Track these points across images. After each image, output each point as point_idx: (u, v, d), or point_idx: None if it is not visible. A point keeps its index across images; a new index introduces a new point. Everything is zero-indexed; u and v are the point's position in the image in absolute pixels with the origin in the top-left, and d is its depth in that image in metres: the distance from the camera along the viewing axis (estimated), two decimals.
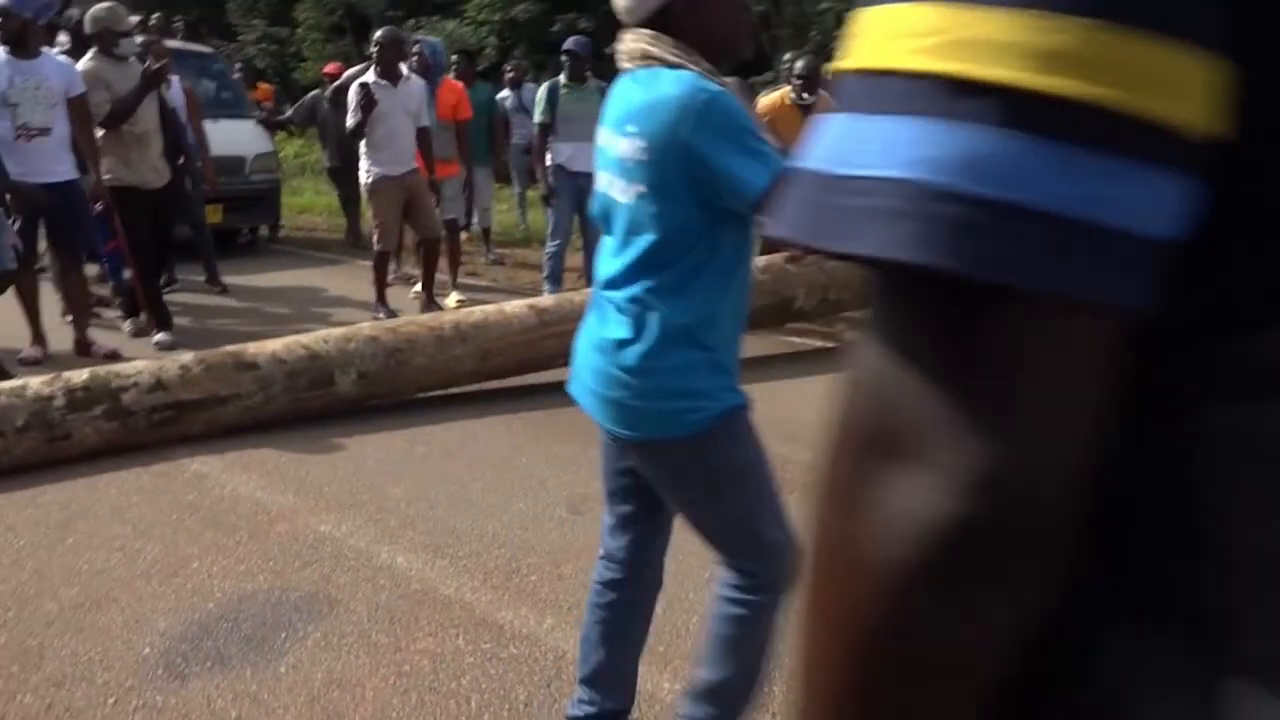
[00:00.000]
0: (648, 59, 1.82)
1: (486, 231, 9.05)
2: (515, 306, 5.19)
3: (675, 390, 1.85)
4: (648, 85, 1.80)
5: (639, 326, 1.86)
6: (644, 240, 1.84)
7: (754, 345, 6.08)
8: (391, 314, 6.46)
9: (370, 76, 6.39)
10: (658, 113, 1.75)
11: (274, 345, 4.67)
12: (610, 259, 1.95)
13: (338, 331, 4.84)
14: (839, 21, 18.63)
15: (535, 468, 4.18)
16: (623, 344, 1.88)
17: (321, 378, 4.66)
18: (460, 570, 3.29)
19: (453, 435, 4.61)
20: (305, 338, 4.76)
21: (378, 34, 6.45)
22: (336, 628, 2.93)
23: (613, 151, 1.89)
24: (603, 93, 6.58)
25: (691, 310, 1.83)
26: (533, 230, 9.87)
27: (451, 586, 3.18)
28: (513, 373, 5.16)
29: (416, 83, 6.58)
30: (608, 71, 2.72)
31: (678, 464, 1.95)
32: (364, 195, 6.85)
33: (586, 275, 6.91)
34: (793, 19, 19.32)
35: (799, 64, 6.19)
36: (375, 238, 6.70)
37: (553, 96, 6.65)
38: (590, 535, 3.42)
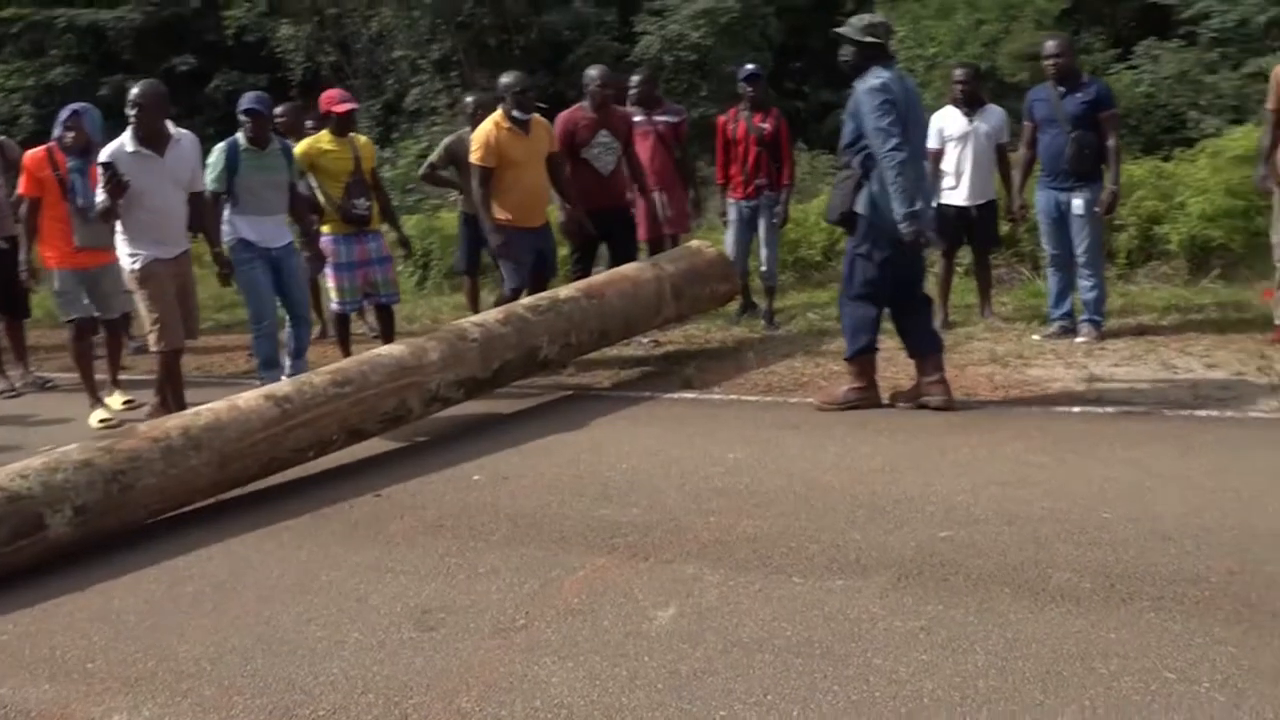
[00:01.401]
0: None
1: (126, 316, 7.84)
2: (249, 399, 4.43)
3: None
4: None
5: None
6: None
7: (511, 403, 5.68)
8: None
9: (127, 144, 5.24)
10: None
11: None
12: None
13: (36, 461, 3.88)
14: (414, 69, 18.54)
15: (343, 584, 3.52)
16: None
17: (26, 524, 3.70)
18: None
19: (216, 564, 3.81)
20: None
21: (134, 91, 5.26)
22: None
23: None
24: (288, 154, 5.84)
25: None
26: None
27: None
28: (258, 476, 4.40)
29: (188, 142, 5.50)
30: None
31: None
32: (130, 284, 5.57)
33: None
34: (367, 68, 18.97)
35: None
36: (154, 336, 5.49)
37: (232, 162, 5.70)
38: (460, 654, 2.93)
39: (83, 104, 6.44)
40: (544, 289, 6.15)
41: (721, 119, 7.22)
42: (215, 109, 19.62)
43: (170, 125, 5.38)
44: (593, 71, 6.52)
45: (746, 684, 2.68)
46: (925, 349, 5.07)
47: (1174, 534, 3.38)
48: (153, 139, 5.29)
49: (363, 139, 6.49)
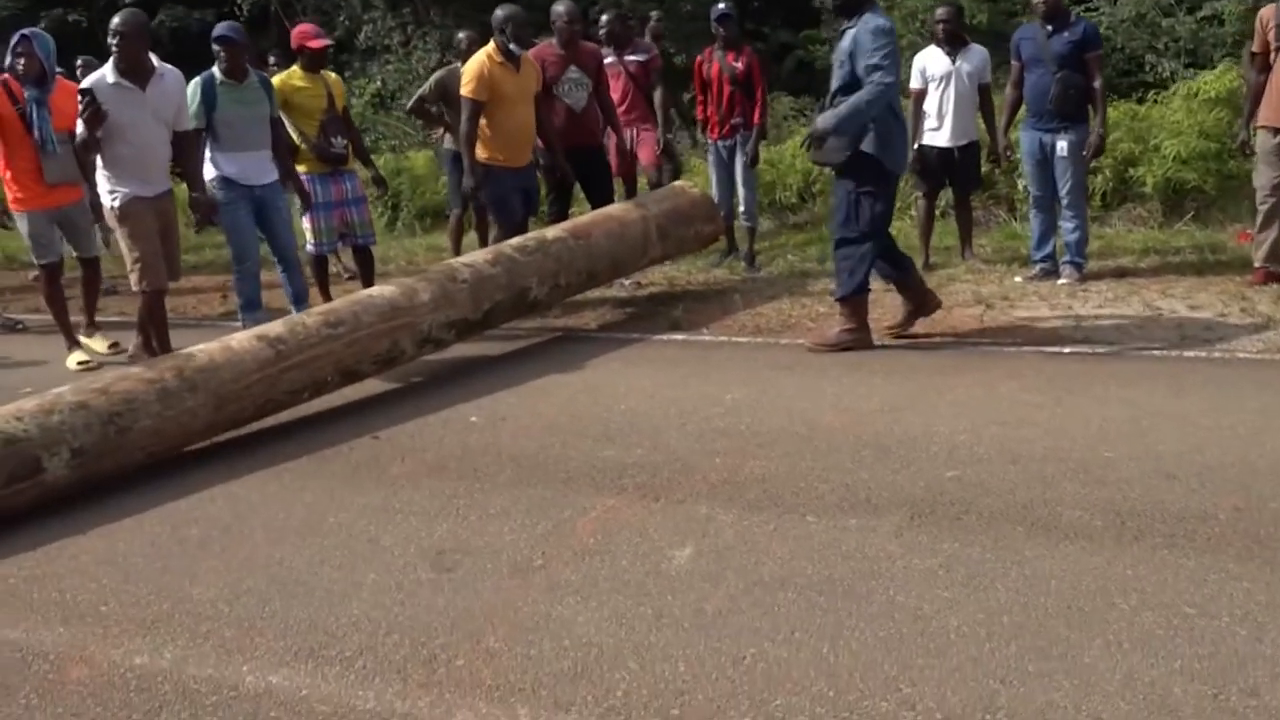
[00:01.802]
0: None
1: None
2: (242, 340, 4.36)
3: None
4: None
5: None
6: None
7: (501, 345, 5.65)
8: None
9: (108, 75, 5.08)
10: None
11: None
12: None
13: (30, 403, 3.80)
14: (365, 5, 18.12)
15: (352, 525, 3.50)
16: None
17: (23, 467, 3.63)
18: (364, 674, 2.62)
19: (219, 506, 3.77)
20: None
21: (115, 20, 5.07)
22: None
23: None
24: (267, 87, 5.67)
25: None
26: None
27: (369, 698, 2.52)
28: (254, 418, 4.36)
29: (171, 78, 5.31)
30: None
31: None
32: (110, 222, 5.41)
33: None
34: (317, 4, 18.51)
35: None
36: (136, 275, 5.35)
37: (208, 96, 5.51)
38: (481, 595, 2.93)
39: (32, 29, 6.09)
40: (526, 229, 6.09)
41: (698, 60, 7.16)
42: (160, 46, 19.07)
43: (154, 59, 5.21)
44: (560, 7, 6.38)
45: (773, 622, 2.70)
46: (908, 265, 5.35)
47: (1177, 472, 3.44)
48: (134, 71, 5.11)
49: (333, 76, 6.33)
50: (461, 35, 7.52)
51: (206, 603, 3.03)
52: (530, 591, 2.96)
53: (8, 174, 5.75)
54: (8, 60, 5.80)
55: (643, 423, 4.31)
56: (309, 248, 6.27)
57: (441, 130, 7.67)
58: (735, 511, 3.38)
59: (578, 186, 6.62)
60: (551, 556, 3.16)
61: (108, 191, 5.28)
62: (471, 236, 7.90)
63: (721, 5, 7.03)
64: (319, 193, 6.02)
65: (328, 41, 6.20)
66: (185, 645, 2.81)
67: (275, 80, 6.01)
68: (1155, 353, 4.83)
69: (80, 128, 5.03)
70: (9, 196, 5.90)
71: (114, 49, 5.07)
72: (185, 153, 5.46)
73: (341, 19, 17.78)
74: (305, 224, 6.18)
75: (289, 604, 2.99)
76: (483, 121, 5.97)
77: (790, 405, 4.42)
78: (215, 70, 5.57)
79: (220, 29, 5.57)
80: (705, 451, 3.94)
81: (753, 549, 3.11)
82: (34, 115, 5.67)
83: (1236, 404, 4.06)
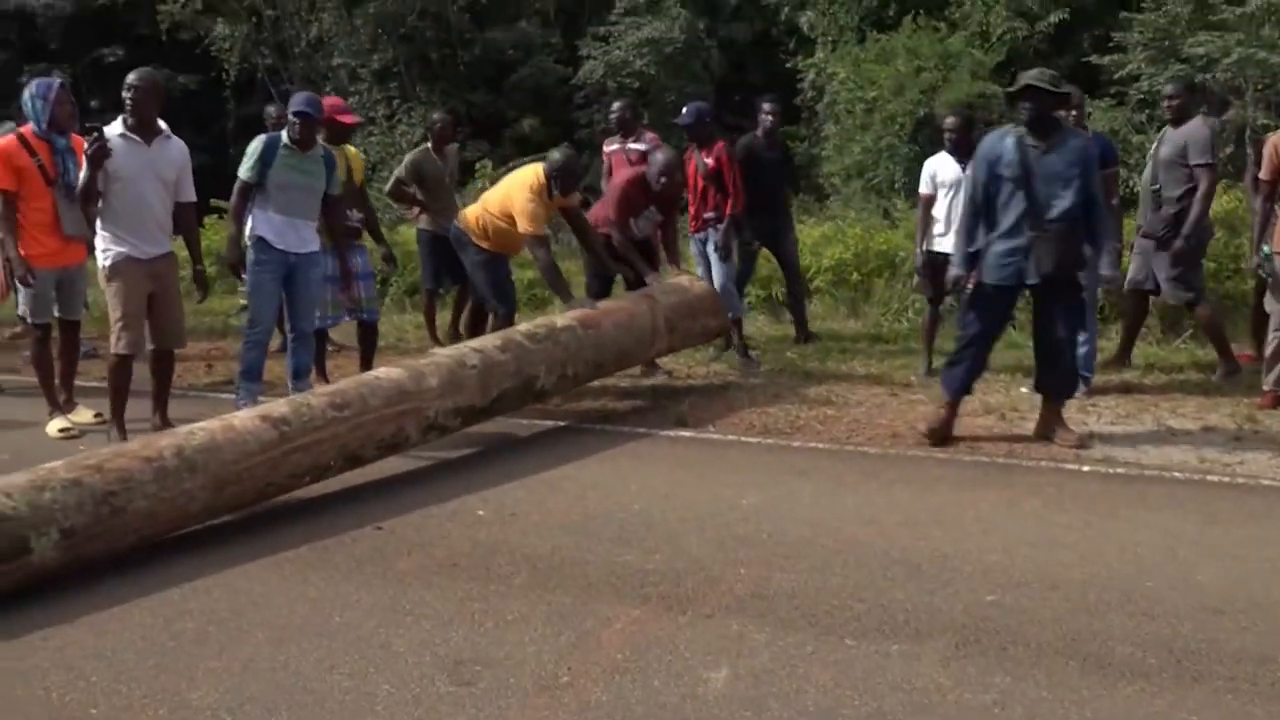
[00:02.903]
0: None
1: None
2: (245, 420, 4.17)
3: None
4: None
5: None
6: None
7: (504, 432, 5.48)
8: (124, 437, 5.11)
9: (116, 127, 5.11)
10: None
11: None
12: None
13: (21, 478, 3.57)
14: (353, 77, 18.23)
15: (360, 626, 3.29)
16: None
17: (10, 547, 3.40)
18: None
19: (215, 598, 3.54)
20: None
21: (132, 76, 5.14)
22: None
23: None
24: (329, 163, 5.60)
25: None
26: None
27: None
28: (255, 501, 4.15)
29: (178, 144, 5.36)
30: None
31: None
32: (100, 280, 5.31)
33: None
34: (304, 73, 18.59)
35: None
36: (114, 336, 5.26)
37: (268, 156, 5.46)
38: (506, 714, 2.74)
39: (48, 78, 5.93)
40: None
41: (684, 157, 7.20)
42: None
43: (162, 123, 5.15)
44: (660, 156, 6.55)
45: None
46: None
47: (1224, 608, 3.32)
48: (143, 126, 5.17)
49: (353, 150, 6.34)
50: (436, 116, 7.75)
51: (207, 710, 2.81)
52: (560, 712, 2.77)
53: (22, 230, 5.49)
54: (37, 108, 5.52)
55: (659, 526, 4.14)
56: (318, 323, 6.17)
57: (417, 210, 7.63)
58: (768, 630, 3.21)
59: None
60: (579, 673, 2.97)
61: (101, 250, 5.23)
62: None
63: (684, 110, 7.17)
64: (328, 266, 5.92)
65: (358, 119, 6.22)
66: None
67: None
68: (1178, 475, 4.75)
69: (84, 169, 5.03)
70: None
71: (127, 102, 5.09)
72: (185, 224, 5.54)
73: (328, 89, 17.82)
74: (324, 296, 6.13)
75: (298, 715, 2.78)
76: (496, 218, 6.13)
77: (810, 514, 4.28)
78: (284, 134, 5.54)
79: (298, 103, 5.50)
80: (728, 561, 3.77)
81: (792, 674, 2.94)
82: (66, 163, 5.51)
83: (1272, 535, 3.96)
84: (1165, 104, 6.57)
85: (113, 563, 3.76)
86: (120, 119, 5.15)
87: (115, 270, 5.20)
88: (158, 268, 5.34)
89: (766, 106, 7.55)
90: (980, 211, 5.14)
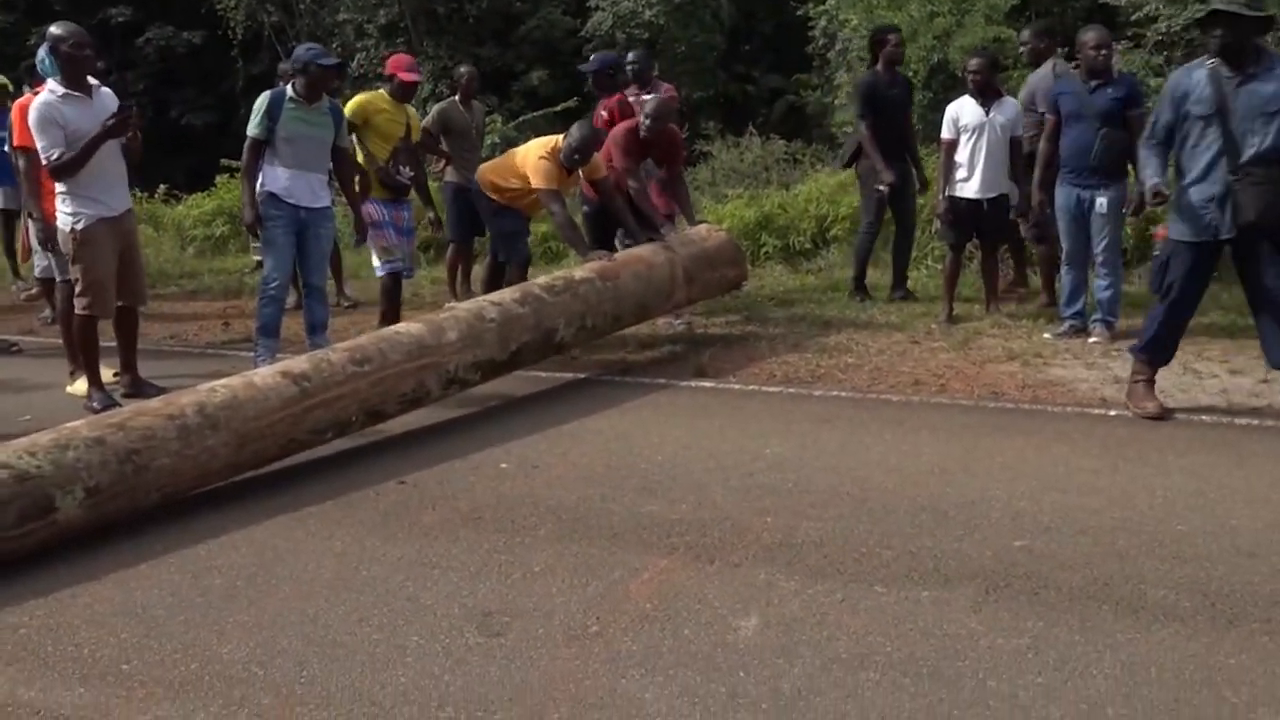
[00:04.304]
0: None
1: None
2: (266, 377, 4.15)
3: None
4: None
5: None
6: None
7: (524, 386, 5.46)
8: (111, 403, 5.03)
9: (56, 89, 5.02)
10: None
11: None
12: None
13: (45, 438, 3.56)
14: (359, 33, 18.03)
15: (388, 580, 3.29)
16: None
17: (36, 505, 3.39)
18: None
19: (242, 554, 3.54)
20: (1, 452, 3.45)
21: (58, 30, 5.05)
22: None
23: None
24: (336, 115, 5.57)
25: None
26: None
27: None
28: (276, 458, 4.14)
29: (108, 91, 5.24)
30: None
31: None
32: (66, 245, 5.23)
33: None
34: (310, 30, 18.40)
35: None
36: (84, 300, 5.20)
37: (274, 111, 5.45)
38: (537, 664, 2.73)
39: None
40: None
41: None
42: (148, 65, 18.90)
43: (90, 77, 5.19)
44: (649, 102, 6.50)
45: (859, 706, 2.51)
46: None
47: (1257, 550, 3.28)
48: (83, 84, 5.11)
49: (413, 111, 6.47)
50: (463, 70, 7.68)
51: (238, 664, 2.81)
52: (590, 662, 2.76)
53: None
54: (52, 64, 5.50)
55: (683, 476, 4.12)
56: (382, 268, 6.23)
57: (443, 163, 7.57)
58: (797, 579, 3.19)
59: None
60: (608, 622, 2.96)
61: (69, 214, 5.13)
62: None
63: (590, 59, 7.28)
64: (385, 214, 6.07)
65: (419, 77, 6.40)
66: (218, 713, 2.58)
67: (361, 98, 6.15)
68: (1205, 418, 4.69)
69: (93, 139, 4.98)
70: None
71: (63, 61, 5.02)
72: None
73: (335, 45, 17.66)
74: (376, 244, 6.19)
75: (328, 668, 2.77)
76: (508, 181, 6.14)
77: (836, 463, 4.25)
78: (287, 88, 5.54)
79: (308, 54, 5.53)
80: (754, 510, 3.75)
81: (823, 622, 2.93)
82: None
83: None
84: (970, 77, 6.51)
85: (137, 520, 3.76)
86: (55, 81, 5.06)
87: (89, 234, 5.13)
88: (125, 224, 5.34)
89: (891, 37, 7.18)
90: (1163, 144, 4.59)
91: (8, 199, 7.68)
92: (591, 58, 7.29)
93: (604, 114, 6.86)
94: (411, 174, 6.27)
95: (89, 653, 2.90)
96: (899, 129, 7.10)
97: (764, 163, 11.10)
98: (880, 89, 7.09)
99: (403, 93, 6.17)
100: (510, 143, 10.77)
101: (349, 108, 6.06)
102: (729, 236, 6.56)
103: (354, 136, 6.10)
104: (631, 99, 7.18)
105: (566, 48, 17.10)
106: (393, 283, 6.28)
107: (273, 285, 5.61)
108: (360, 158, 6.12)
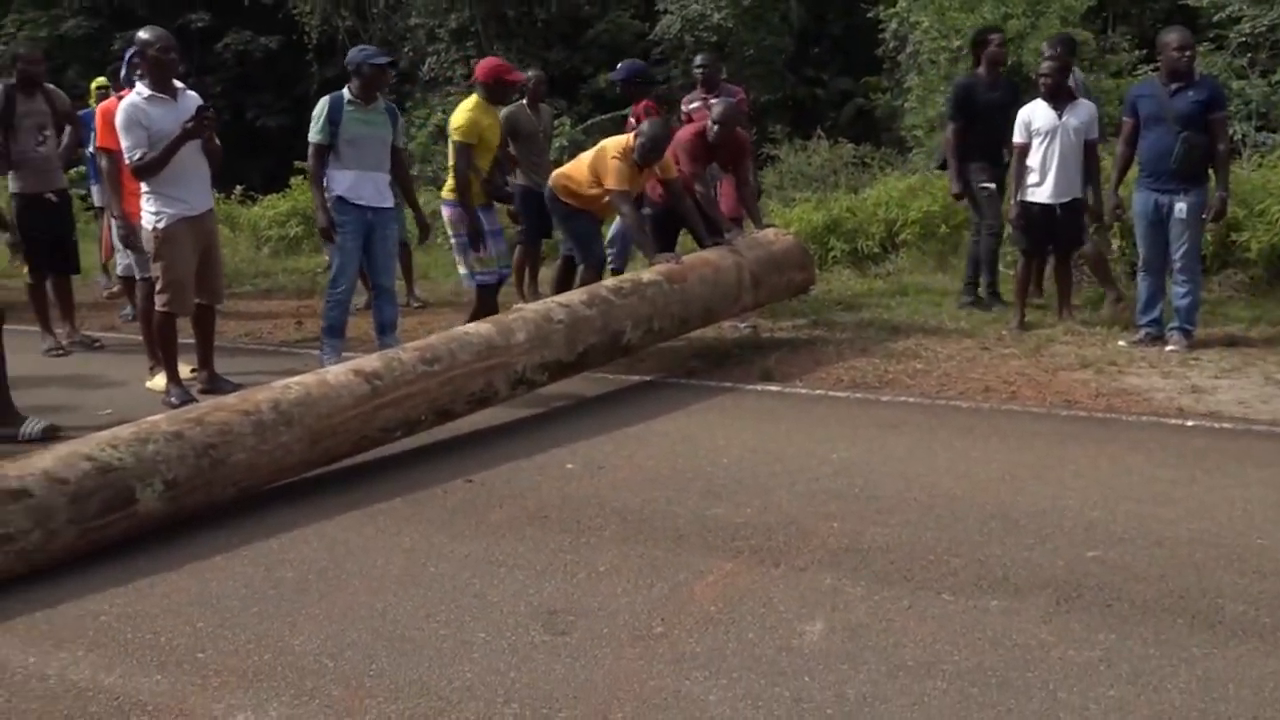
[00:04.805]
0: None
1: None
2: (339, 375, 4.22)
3: None
4: None
5: None
6: None
7: (591, 387, 5.49)
8: (188, 398, 5.17)
9: (143, 90, 5.17)
10: None
11: (43, 461, 3.44)
12: None
13: (126, 431, 3.66)
14: (430, 37, 18.23)
15: (455, 576, 3.32)
16: None
17: (118, 497, 3.48)
18: None
19: (314, 548, 3.60)
20: (83, 445, 3.56)
21: (146, 34, 5.19)
22: None
23: None
24: (393, 115, 5.66)
25: None
26: None
27: None
28: (348, 454, 4.21)
29: (192, 94, 5.38)
30: None
31: None
32: (149, 244, 5.37)
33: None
34: (382, 35, 18.63)
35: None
36: (164, 298, 5.35)
37: (334, 114, 5.54)
38: (601, 663, 2.74)
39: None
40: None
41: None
42: (226, 69, 19.32)
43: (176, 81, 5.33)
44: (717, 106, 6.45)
45: (925, 714, 2.49)
46: None
47: None
48: (169, 86, 5.24)
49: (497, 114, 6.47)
50: (530, 74, 7.62)
51: (309, 655, 2.86)
52: (654, 663, 2.77)
53: (127, 190, 5.64)
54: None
55: (749, 479, 4.11)
56: (478, 279, 6.15)
57: (511, 167, 7.62)
58: (864, 584, 3.17)
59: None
60: (672, 624, 2.97)
61: (152, 213, 5.26)
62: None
63: (617, 68, 7.26)
64: (486, 221, 6.10)
65: (523, 76, 6.51)
66: (290, 703, 2.63)
67: (468, 117, 5.94)
68: None
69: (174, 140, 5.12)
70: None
71: (149, 64, 5.17)
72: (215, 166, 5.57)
73: (406, 50, 17.89)
74: (474, 254, 6.09)
75: (397, 662, 2.81)
76: (580, 184, 6.14)
77: (903, 469, 4.21)
78: (345, 91, 5.61)
79: (360, 54, 5.61)
80: (820, 514, 3.73)
81: (889, 628, 2.90)
82: None
83: None
84: None
85: (213, 513, 3.84)
86: (145, 81, 5.20)
87: (170, 234, 5.25)
88: (207, 223, 5.47)
89: (994, 37, 7.07)
90: None
91: (100, 196, 7.91)
92: (619, 66, 7.30)
93: (633, 119, 6.91)
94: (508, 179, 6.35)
95: (166, 640, 2.97)
96: (998, 133, 6.83)
97: (832, 166, 11.04)
98: (979, 92, 6.98)
99: (501, 94, 6.19)
100: (579, 146, 10.81)
101: (460, 131, 5.91)
102: (796, 240, 6.53)
103: (450, 147, 6.11)
104: (696, 104, 7.17)
105: (635, 51, 17.12)
106: (487, 291, 6.28)
107: (340, 289, 5.70)
108: (449, 164, 6.13)
